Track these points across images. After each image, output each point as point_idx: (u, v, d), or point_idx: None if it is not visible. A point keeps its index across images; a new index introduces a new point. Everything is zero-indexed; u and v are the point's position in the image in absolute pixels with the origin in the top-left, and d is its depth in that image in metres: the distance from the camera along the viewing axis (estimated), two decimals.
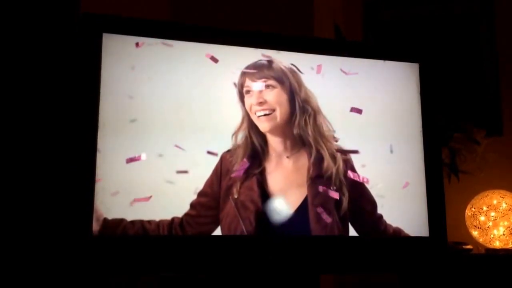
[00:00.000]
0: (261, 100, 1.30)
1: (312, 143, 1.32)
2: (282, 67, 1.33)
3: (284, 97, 1.32)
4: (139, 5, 1.74)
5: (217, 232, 1.25)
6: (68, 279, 1.19)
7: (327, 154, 1.32)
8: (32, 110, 1.22)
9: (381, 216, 1.35)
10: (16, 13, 1.21)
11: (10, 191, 1.16)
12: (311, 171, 1.31)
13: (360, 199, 1.35)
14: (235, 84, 1.31)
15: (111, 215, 1.19)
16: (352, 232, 1.33)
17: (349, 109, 1.38)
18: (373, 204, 1.35)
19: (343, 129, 1.37)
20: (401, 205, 1.38)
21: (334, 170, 1.32)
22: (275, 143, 1.32)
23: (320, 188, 1.31)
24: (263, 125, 1.31)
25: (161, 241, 1.22)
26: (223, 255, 1.25)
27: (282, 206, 1.29)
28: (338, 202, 1.31)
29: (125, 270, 1.22)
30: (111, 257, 1.19)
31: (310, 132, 1.32)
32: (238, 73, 1.32)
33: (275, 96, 1.31)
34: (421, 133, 1.43)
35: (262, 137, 1.31)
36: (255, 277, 1.31)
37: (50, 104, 1.25)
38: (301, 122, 1.32)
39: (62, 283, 1.18)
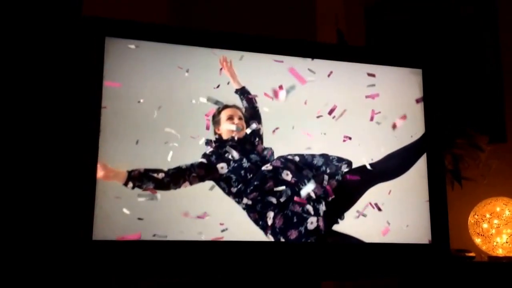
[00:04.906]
0: None
1: None
2: None
3: None
4: (138, 9, 1.74)
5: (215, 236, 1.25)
6: (68, 283, 1.18)
7: None
8: (35, 114, 1.21)
9: None
10: (17, 17, 1.21)
11: (11, 195, 1.15)
12: None
13: None
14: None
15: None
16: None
17: (351, 113, 1.38)
18: None
19: (345, 134, 1.36)
20: (403, 211, 1.37)
21: None
22: None
23: None
24: None
25: (161, 245, 1.21)
26: (224, 261, 1.24)
27: None
28: None
29: (124, 274, 1.21)
30: (111, 261, 1.18)
31: None
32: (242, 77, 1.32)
33: None
34: (424, 139, 1.42)
35: None
36: (256, 283, 1.30)
37: (53, 108, 1.24)
38: None
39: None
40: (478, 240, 1.79)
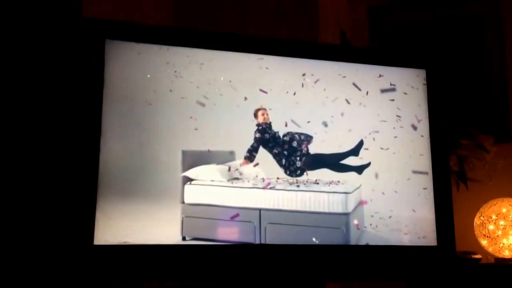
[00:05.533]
0: None
1: None
2: None
3: None
4: (142, 11, 1.74)
5: None
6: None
7: None
8: (36, 117, 1.21)
9: None
10: (16, 19, 1.20)
11: (10, 198, 1.15)
12: None
13: None
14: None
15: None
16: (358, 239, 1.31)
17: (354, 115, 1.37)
18: None
19: (348, 135, 1.35)
20: (408, 213, 1.36)
21: None
22: None
23: None
24: None
25: (162, 249, 1.20)
26: (227, 263, 1.23)
27: None
28: None
29: (125, 278, 1.21)
30: (112, 265, 1.18)
31: None
32: (242, 80, 1.31)
33: None
34: (429, 139, 1.41)
35: None
36: (259, 284, 1.30)
37: (54, 110, 1.24)
38: None
39: None
40: (484, 242, 1.77)
